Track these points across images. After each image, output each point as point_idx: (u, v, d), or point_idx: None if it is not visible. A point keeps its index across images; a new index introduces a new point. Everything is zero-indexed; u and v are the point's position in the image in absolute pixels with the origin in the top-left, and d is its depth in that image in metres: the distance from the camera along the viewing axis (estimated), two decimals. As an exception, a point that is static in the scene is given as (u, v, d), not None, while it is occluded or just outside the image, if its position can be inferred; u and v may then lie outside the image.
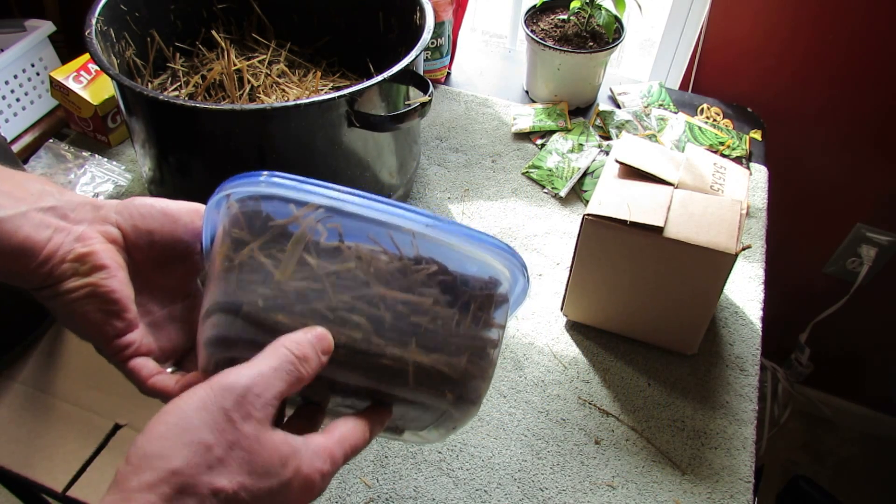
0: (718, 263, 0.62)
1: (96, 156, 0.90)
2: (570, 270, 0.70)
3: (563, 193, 0.89)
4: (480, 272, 0.44)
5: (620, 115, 1.00)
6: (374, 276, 0.40)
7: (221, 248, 0.40)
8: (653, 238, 0.63)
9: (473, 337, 0.43)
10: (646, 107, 1.03)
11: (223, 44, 0.82)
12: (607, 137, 0.98)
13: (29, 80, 1.10)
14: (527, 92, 1.07)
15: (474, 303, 0.43)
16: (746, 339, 0.74)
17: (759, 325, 0.76)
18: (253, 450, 0.30)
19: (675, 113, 1.02)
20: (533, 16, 1.03)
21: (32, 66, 1.12)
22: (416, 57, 0.69)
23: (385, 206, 0.39)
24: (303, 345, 0.34)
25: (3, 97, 0.97)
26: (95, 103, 0.88)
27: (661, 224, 0.62)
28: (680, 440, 0.65)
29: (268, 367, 0.32)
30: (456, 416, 0.46)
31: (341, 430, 0.36)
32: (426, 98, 0.68)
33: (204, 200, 0.43)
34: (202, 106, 0.60)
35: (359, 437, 0.37)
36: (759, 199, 0.91)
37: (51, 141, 0.91)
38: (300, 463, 0.32)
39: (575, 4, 0.99)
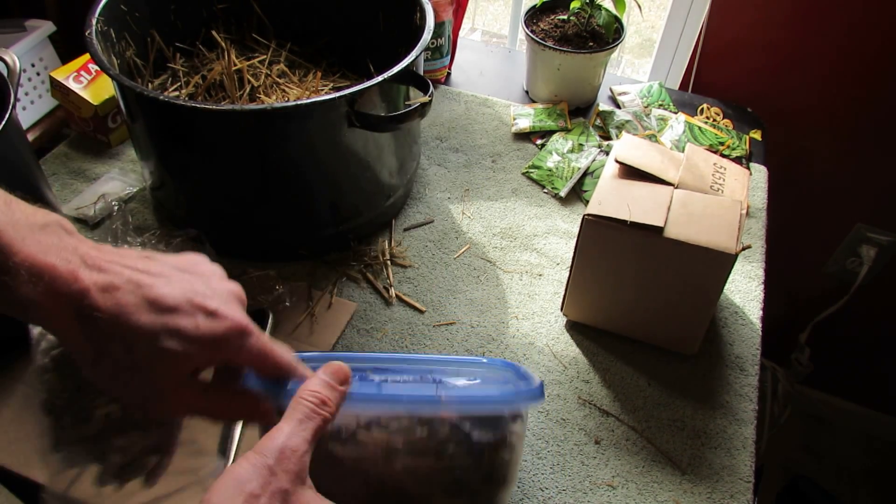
0: (718, 263, 0.62)
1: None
2: (570, 270, 0.70)
3: (563, 193, 0.89)
4: (501, 396, 0.46)
5: (620, 115, 1.00)
6: (398, 450, 0.45)
7: None
8: (653, 238, 0.63)
9: (492, 469, 0.48)
10: (646, 107, 1.03)
11: (223, 44, 0.82)
12: (607, 137, 0.98)
13: (29, 80, 1.11)
14: (527, 92, 1.07)
15: (488, 449, 0.47)
16: (746, 339, 0.74)
17: (759, 325, 0.76)
18: (289, 500, 0.35)
19: (675, 113, 1.02)
20: (533, 16, 1.03)
21: (32, 66, 1.12)
22: (416, 57, 0.69)
23: (392, 390, 0.44)
24: (317, 390, 0.39)
25: (4, 97, 0.98)
26: (95, 103, 0.88)
27: (661, 224, 0.62)
28: (680, 440, 0.65)
29: (294, 422, 0.37)
30: None
31: None
32: (426, 98, 0.68)
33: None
34: (202, 106, 0.60)
35: None
36: (759, 199, 0.91)
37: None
38: None
39: (575, 4, 0.99)
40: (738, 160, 0.95)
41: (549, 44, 0.96)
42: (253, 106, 0.61)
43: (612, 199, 0.65)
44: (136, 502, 0.41)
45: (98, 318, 0.35)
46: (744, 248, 0.62)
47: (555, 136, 0.97)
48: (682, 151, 0.79)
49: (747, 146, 0.97)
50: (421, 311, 0.75)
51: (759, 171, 0.95)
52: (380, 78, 0.65)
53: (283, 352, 0.41)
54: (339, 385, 0.40)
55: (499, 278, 0.79)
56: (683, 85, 1.14)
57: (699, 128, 0.98)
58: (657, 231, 0.62)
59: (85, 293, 0.35)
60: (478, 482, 0.47)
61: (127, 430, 0.41)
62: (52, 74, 0.88)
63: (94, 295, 0.35)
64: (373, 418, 0.45)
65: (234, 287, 0.41)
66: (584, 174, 0.91)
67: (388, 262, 0.79)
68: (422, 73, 0.76)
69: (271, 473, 0.35)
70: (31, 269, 0.34)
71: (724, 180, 0.70)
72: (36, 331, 0.43)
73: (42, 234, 0.36)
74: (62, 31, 1.22)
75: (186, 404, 0.39)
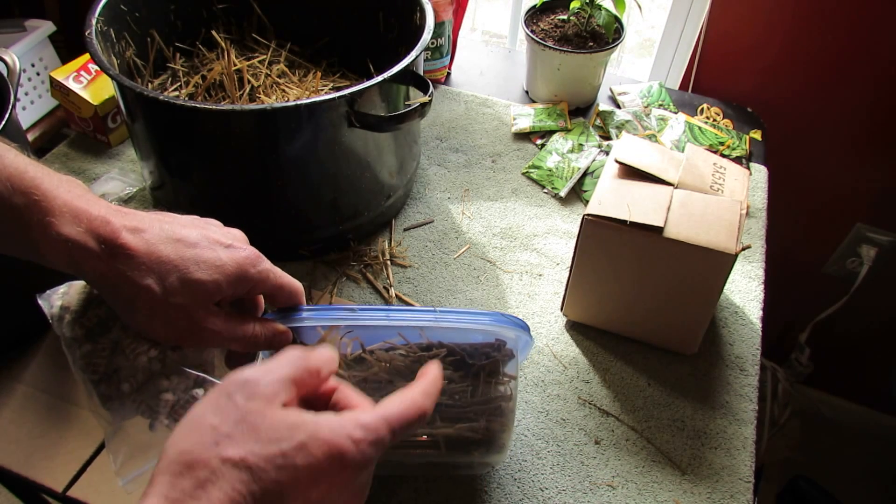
0: (718, 263, 0.62)
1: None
2: (570, 270, 0.70)
3: (563, 193, 0.89)
4: (486, 338, 0.51)
5: (620, 115, 1.00)
6: (395, 373, 0.49)
7: None
8: (653, 238, 0.63)
9: (488, 400, 0.51)
10: (646, 107, 1.03)
11: (223, 44, 0.82)
12: (607, 137, 0.98)
13: (29, 80, 1.11)
14: (527, 92, 1.07)
15: (483, 372, 0.51)
16: (746, 339, 0.74)
17: (759, 325, 0.76)
18: (257, 422, 0.32)
19: (675, 113, 1.02)
20: (533, 16, 1.03)
21: (32, 66, 1.12)
22: (416, 57, 0.69)
23: (395, 313, 0.48)
24: (309, 349, 0.38)
25: (4, 97, 0.97)
26: (95, 103, 0.88)
27: (660, 224, 0.62)
28: (680, 440, 0.65)
29: (273, 361, 0.36)
30: (489, 463, 0.56)
31: (384, 403, 0.37)
32: (426, 98, 0.68)
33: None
34: (202, 106, 0.60)
35: (407, 405, 0.37)
36: (759, 199, 0.91)
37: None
38: (316, 429, 0.33)
39: (575, 4, 0.99)
40: (738, 160, 0.95)
41: (549, 44, 0.96)
42: (253, 106, 0.61)
43: (612, 199, 0.65)
44: None
45: (131, 256, 0.39)
46: (744, 248, 0.62)
47: (555, 136, 0.97)
48: (682, 151, 0.79)
49: (747, 146, 0.97)
50: (421, 311, 0.75)
51: (759, 171, 0.95)
52: (380, 78, 0.65)
53: (293, 279, 0.46)
54: (331, 365, 0.38)
55: (499, 278, 0.79)
56: (683, 85, 1.14)
57: (699, 128, 0.98)
58: (657, 231, 0.62)
59: (118, 233, 0.39)
60: (474, 411, 0.50)
61: (168, 375, 0.44)
62: (52, 74, 0.88)
63: (125, 235, 0.39)
64: (377, 344, 0.49)
65: (238, 231, 0.46)
66: (584, 174, 0.91)
67: (388, 262, 0.79)
68: (422, 73, 0.76)
69: (231, 401, 0.33)
70: (71, 211, 0.38)
71: (724, 180, 0.70)
72: (55, 308, 0.45)
73: (69, 185, 0.40)
74: (62, 31, 1.22)
75: (217, 332, 0.42)
